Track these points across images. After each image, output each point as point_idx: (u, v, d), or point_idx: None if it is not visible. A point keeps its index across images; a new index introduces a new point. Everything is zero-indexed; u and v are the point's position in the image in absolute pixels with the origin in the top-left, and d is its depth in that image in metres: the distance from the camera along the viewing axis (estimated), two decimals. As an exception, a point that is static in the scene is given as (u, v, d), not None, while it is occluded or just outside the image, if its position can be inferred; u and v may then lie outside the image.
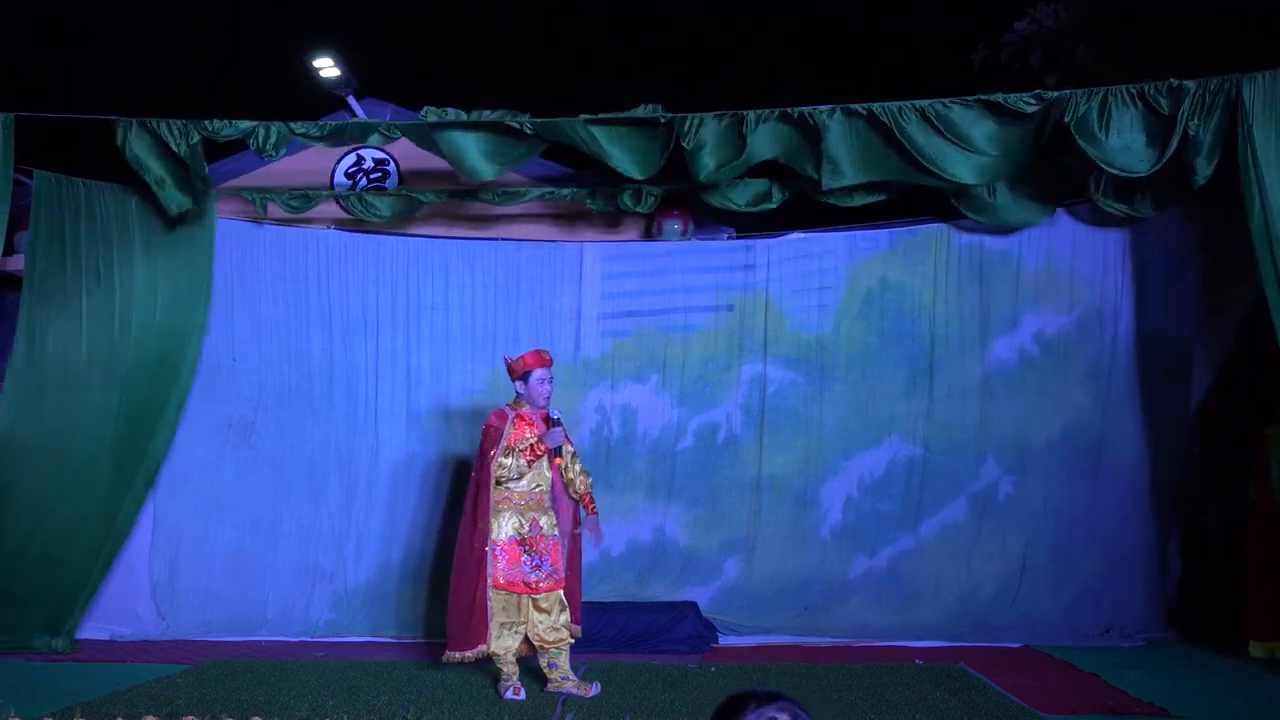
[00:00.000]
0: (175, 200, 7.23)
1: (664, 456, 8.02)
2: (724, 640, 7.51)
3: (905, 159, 6.80)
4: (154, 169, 7.07)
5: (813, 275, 8.02)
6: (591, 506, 6.14)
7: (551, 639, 5.88)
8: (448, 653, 5.87)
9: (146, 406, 7.50)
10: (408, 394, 8.07)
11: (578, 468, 6.14)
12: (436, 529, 7.86)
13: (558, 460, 6.00)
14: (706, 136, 6.80)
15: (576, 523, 6.19)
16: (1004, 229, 7.76)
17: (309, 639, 7.65)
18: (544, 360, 6.00)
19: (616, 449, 8.03)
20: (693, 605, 7.60)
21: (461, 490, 7.29)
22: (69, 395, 7.42)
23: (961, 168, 6.82)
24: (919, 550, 7.81)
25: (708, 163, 6.91)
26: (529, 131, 6.89)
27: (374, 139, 7.25)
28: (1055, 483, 7.73)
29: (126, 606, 7.70)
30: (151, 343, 7.56)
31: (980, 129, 6.71)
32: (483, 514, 5.82)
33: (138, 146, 6.99)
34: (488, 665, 6.08)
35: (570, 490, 6.12)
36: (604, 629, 7.26)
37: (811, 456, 7.96)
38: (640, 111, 6.82)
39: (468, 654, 5.81)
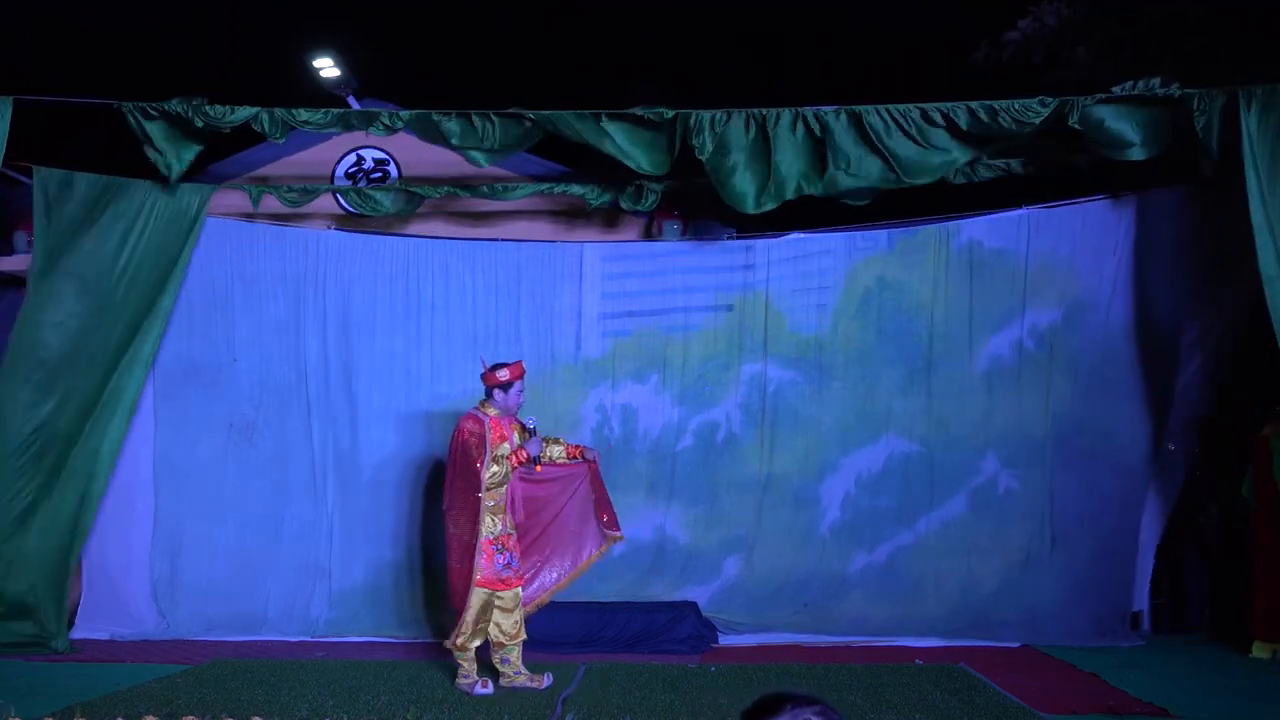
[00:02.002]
0: (173, 162, 7.17)
1: (664, 456, 8.03)
2: (724, 640, 7.52)
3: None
4: (157, 138, 7.05)
5: (812, 275, 8.03)
6: (583, 452, 6.44)
7: (511, 635, 6.04)
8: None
9: (118, 395, 7.50)
10: (408, 394, 8.07)
11: (552, 450, 6.36)
12: (437, 528, 7.86)
13: (538, 468, 6.25)
14: (727, 142, 6.82)
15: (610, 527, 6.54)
16: (1004, 215, 7.80)
17: (309, 638, 7.66)
18: (524, 372, 6.25)
19: (617, 448, 8.03)
20: (693, 605, 7.61)
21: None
22: (66, 392, 7.40)
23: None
24: (918, 545, 7.83)
25: (745, 189, 6.97)
26: (530, 121, 6.88)
27: (376, 130, 7.22)
28: (1056, 477, 7.75)
29: (126, 606, 7.71)
30: (133, 331, 7.54)
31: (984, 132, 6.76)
32: (477, 517, 5.96)
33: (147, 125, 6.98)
34: (487, 665, 6.12)
35: (557, 457, 6.37)
36: (604, 629, 7.28)
37: (811, 454, 7.97)
38: (642, 111, 6.83)
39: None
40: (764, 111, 6.85)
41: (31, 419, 7.30)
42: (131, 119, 6.97)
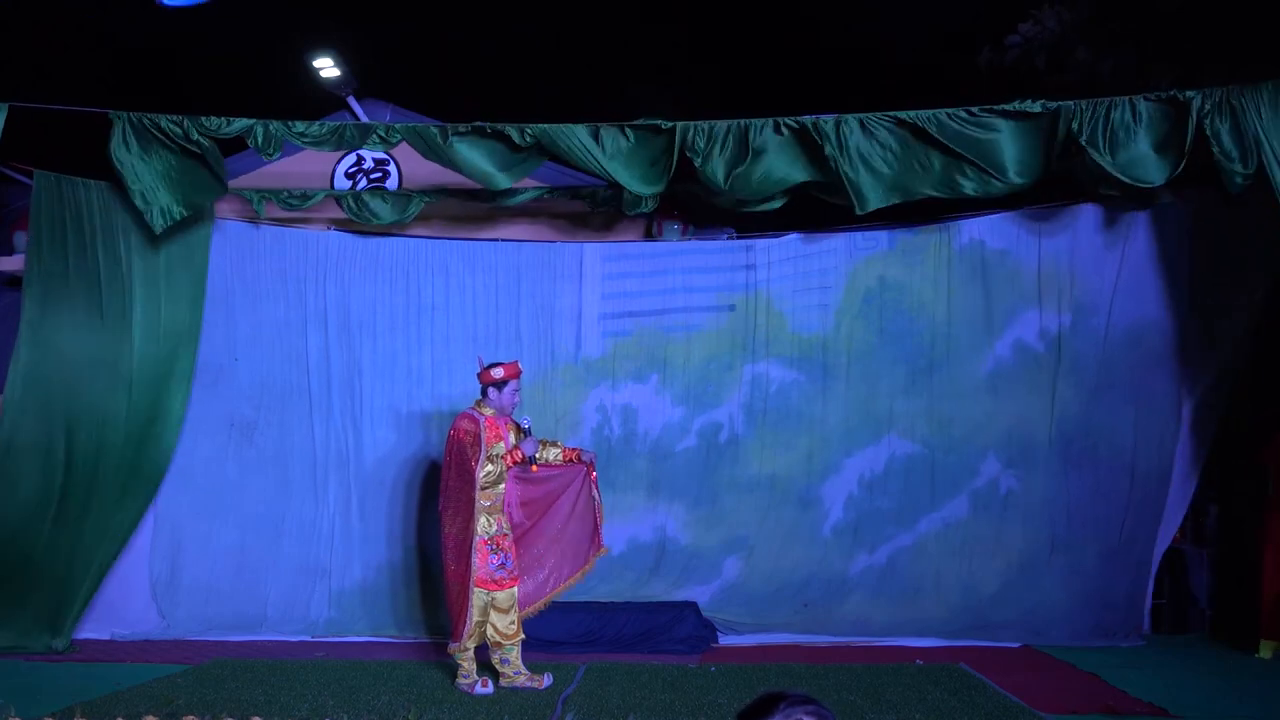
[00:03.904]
0: (162, 214, 7.08)
1: (665, 456, 8.03)
2: (724, 640, 7.52)
3: (936, 164, 6.79)
4: (143, 177, 6.96)
5: (813, 275, 8.03)
6: (580, 455, 6.40)
7: (508, 635, 6.04)
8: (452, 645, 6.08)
9: (149, 406, 7.51)
10: (409, 394, 8.07)
11: (548, 453, 6.31)
12: (437, 528, 7.85)
13: (534, 468, 6.25)
14: (716, 151, 6.79)
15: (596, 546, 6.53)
16: (1006, 215, 7.76)
17: (309, 638, 7.66)
18: (520, 372, 6.25)
19: (617, 448, 8.03)
20: (693, 605, 7.61)
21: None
22: (71, 395, 7.41)
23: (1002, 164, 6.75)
24: (920, 546, 7.83)
25: (719, 174, 6.90)
26: (528, 142, 6.87)
27: (372, 144, 7.23)
28: (1057, 479, 7.74)
29: (126, 606, 7.71)
30: (153, 342, 7.56)
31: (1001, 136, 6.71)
32: (473, 516, 5.96)
33: (122, 151, 6.90)
34: (487, 665, 6.12)
35: (554, 459, 6.34)
36: (604, 629, 7.28)
37: (814, 455, 7.97)
38: (640, 121, 6.83)
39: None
40: (762, 121, 6.83)
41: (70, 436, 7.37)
42: (117, 160, 6.90)
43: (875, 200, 6.86)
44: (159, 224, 7.11)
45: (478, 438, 5.98)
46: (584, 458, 6.42)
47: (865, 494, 7.92)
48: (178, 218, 7.19)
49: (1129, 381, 7.68)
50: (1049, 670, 6.61)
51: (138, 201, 7.05)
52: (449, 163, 7.12)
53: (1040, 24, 8.79)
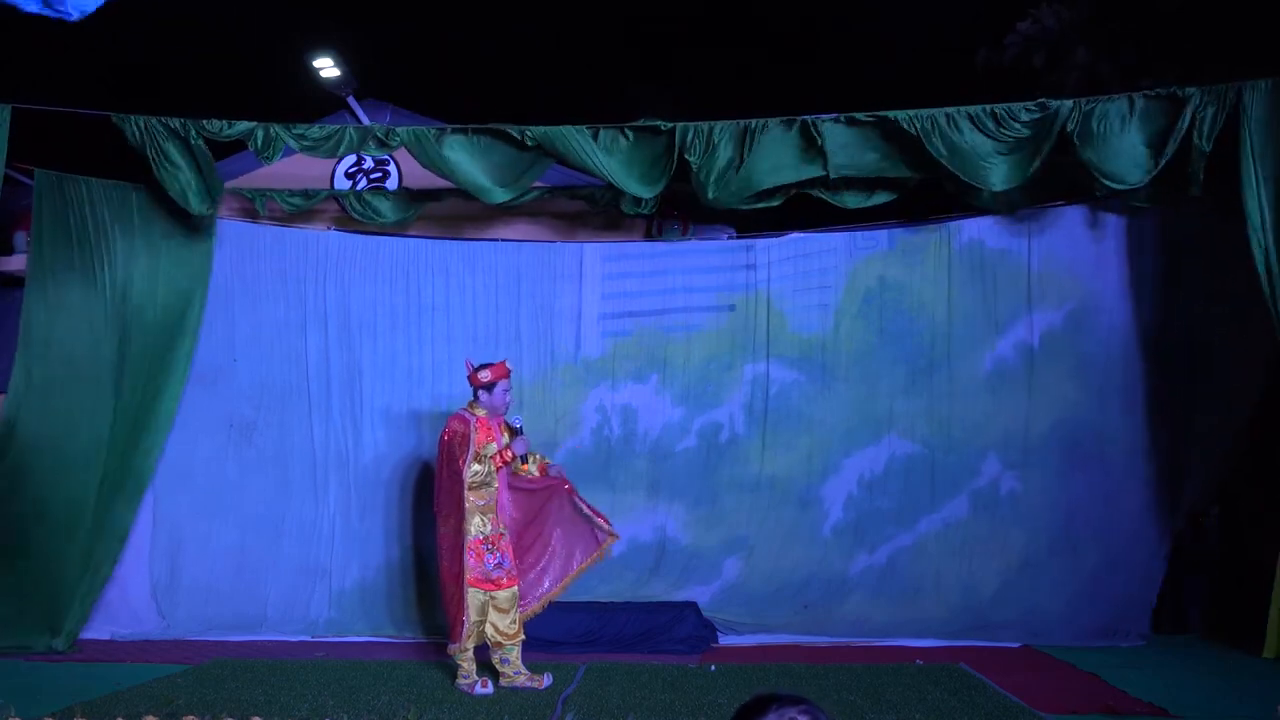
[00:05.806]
0: (200, 203, 7.18)
1: (665, 456, 8.03)
2: (724, 640, 7.52)
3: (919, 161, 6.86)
4: (184, 170, 7.02)
5: (813, 274, 8.03)
6: (551, 468, 6.43)
7: (508, 635, 6.05)
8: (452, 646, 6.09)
9: (144, 404, 7.53)
10: (409, 394, 8.07)
11: (529, 467, 6.35)
12: (435, 528, 7.86)
13: (524, 467, 6.27)
14: (714, 153, 6.81)
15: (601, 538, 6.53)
16: (1005, 216, 7.76)
17: (309, 638, 7.66)
18: (508, 372, 6.24)
19: (617, 449, 8.04)
20: (693, 605, 7.61)
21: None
22: (71, 393, 7.42)
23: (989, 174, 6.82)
24: (919, 547, 7.82)
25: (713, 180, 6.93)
26: (530, 143, 6.88)
27: (369, 149, 7.24)
28: (1056, 479, 7.73)
29: (126, 606, 7.71)
30: (151, 341, 7.58)
31: (987, 141, 6.74)
32: (464, 516, 5.98)
33: (166, 145, 6.93)
34: (487, 665, 6.12)
35: (529, 473, 6.34)
36: (604, 629, 7.28)
37: (814, 455, 7.97)
38: (640, 123, 6.85)
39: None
40: (763, 121, 6.84)
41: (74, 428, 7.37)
42: (150, 151, 6.93)
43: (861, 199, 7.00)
44: (201, 210, 7.20)
45: (466, 438, 5.99)
46: (551, 472, 6.43)
47: (865, 494, 7.92)
48: (206, 210, 7.25)
49: (1129, 382, 7.67)
50: (1049, 670, 6.61)
51: (179, 190, 7.06)
52: (447, 175, 7.15)
53: (1039, 23, 8.79)
